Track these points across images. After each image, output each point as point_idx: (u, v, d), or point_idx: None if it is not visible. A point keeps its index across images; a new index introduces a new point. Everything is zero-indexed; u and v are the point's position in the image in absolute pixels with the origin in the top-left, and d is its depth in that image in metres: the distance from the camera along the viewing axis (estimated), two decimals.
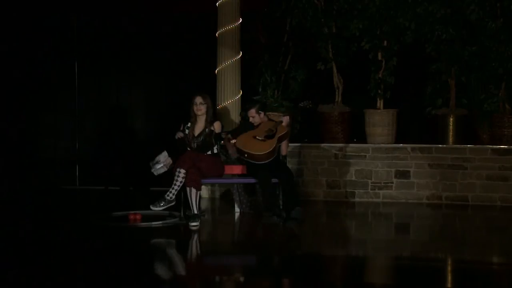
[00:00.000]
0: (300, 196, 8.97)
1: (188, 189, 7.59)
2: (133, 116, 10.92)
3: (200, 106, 7.88)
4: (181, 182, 7.63)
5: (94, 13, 10.71)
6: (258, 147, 7.73)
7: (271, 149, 7.69)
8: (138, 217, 7.79)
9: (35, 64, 10.88)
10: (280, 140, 7.81)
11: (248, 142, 7.81)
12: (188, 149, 7.83)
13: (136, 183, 10.12)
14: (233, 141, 7.93)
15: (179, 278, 5.90)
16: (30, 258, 6.21)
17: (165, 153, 7.91)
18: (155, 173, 7.88)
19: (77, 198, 9.68)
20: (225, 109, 9.28)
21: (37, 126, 11.13)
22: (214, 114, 8.21)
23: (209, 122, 7.90)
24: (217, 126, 7.93)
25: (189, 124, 7.94)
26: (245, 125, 8.21)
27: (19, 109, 10.98)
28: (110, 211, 8.14)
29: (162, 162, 7.86)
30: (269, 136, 7.80)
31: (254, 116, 8.02)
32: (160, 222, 7.70)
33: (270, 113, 8.92)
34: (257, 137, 7.81)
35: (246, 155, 7.76)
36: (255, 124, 8.03)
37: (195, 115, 7.91)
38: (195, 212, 7.57)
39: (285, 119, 7.98)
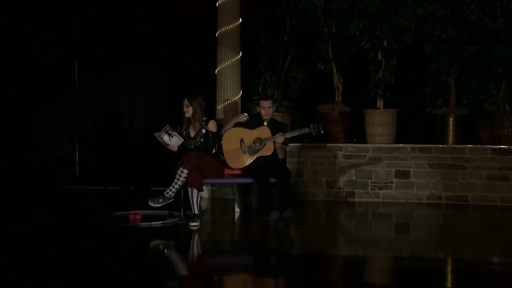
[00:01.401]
0: (297, 196, 8.98)
1: (189, 189, 7.60)
2: (133, 116, 10.92)
3: (186, 108, 7.91)
4: (182, 181, 7.64)
5: (94, 13, 10.71)
6: (236, 159, 7.91)
7: (244, 166, 7.91)
8: (138, 217, 7.79)
9: (35, 64, 10.89)
10: (259, 157, 7.88)
11: (232, 147, 7.90)
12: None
13: (136, 183, 10.12)
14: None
15: (179, 278, 5.90)
16: (29, 258, 6.21)
17: (176, 140, 7.84)
18: (158, 136, 7.84)
19: (77, 198, 9.68)
20: (225, 109, 9.28)
21: (36, 126, 11.13)
22: (207, 113, 8.15)
23: (202, 123, 7.89)
24: (212, 126, 7.92)
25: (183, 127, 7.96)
26: (248, 120, 8.19)
27: (19, 109, 10.99)
28: (110, 211, 8.14)
29: (166, 140, 7.82)
30: (252, 150, 7.86)
31: (271, 107, 8.02)
32: (160, 222, 7.70)
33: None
34: (243, 141, 7.86)
35: (222, 157, 7.93)
36: (266, 117, 8.00)
37: (185, 117, 7.94)
38: (196, 212, 7.58)
39: (279, 139, 7.81)
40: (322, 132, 7.88)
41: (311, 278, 5.71)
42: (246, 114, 8.10)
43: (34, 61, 10.89)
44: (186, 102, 7.91)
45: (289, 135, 7.95)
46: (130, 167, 10.57)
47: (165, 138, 7.80)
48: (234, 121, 8.09)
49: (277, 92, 9.52)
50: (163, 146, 7.85)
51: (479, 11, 8.96)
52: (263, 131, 7.91)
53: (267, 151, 7.86)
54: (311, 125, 7.88)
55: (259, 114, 8.07)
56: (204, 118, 7.92)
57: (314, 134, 7.90)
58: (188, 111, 7.91)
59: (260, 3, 9.69)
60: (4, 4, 10.39)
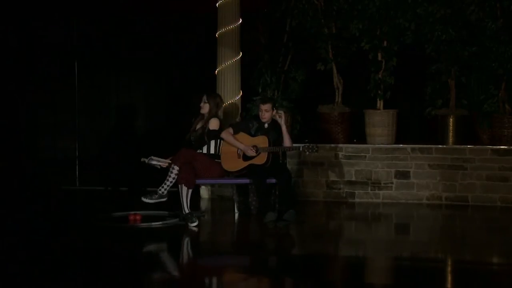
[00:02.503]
0: (298, 197, 8.96)
1: (179, 186, 7.62)
2: (133, 116, 10.92)
3: (203, 104, 8.03)
4: (173, 178, 7.69)
5: (94, 13, 10.71)
6: (230, 162, 7.97)
7: (235, 170, 7.98)
8: (138, 217, 7.79)
9: (35, 64, 10.88)
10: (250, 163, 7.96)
11: (230, 149, 7.96)
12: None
13: (136, 183, 10.10)
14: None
15: (179, 278, 5.90)
16: (29, 258, 6.20)
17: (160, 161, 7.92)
18: (147, 162, 7.90)
19: (77, 198, 9.67)
20: (225, 109, 9.27)
21: (37, 126, 11.12)
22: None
23: (207, 119, 7.96)
24: (212, 124, 7.95)
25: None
26: (247, 122, 8.20)
27: (19, 108, 10.98)
28: (110, 211, 8.14)
29: (155, 162, 7.87)
30: (245, 156, 7.93)
31: (268, 110, 7.99)
32: (160, 222, 7.70)
33: None
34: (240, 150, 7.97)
35: (219, 156, 8.01)
36: (263, 120, 8.00)
37: (201, 113, 8.06)
38: (186, 211, 7.60)
39: (279, 116, 7.97)
40: (316, 151, 8.06)
41: (311, 278, 5.71)
42: (254, 150, 8.01)
43: (34, 61, 10.88)
44: (204, 98, 8.03)
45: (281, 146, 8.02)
46: (130, 167, 10.56)
47: (154, 162, 7.89)
48: (240, 144, 7.96)
49: (277, 93, 9.52)
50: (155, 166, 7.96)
51: (479, 11, 8.96)
52: (262, 140, 7.93)
53: (259, 160, 7.90)
54: (306, 145, 7.97)
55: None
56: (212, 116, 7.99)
57: (307, 153, 8.04)
58: (204, 108, 8.02)
59: (260, 3, 9.69)
60: (4, 4, 10.39)
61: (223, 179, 8.10)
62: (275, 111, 8.05)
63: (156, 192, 7.73)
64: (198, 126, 8.05)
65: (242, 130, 8.04)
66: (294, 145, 8.09)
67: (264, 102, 8.06)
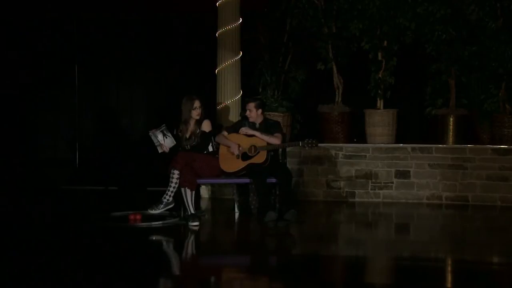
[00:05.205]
0: (298, 197, 8.97)
1: (182, 189, 7.61)
2: (133, 116, 10.92)
3: (198, 110, 7.90)
4: (176, 183, 7.66)
5: (94, 13, 10.72)
6: (228, 163, 7.94)
7: (236, 170, 7.94)
8: (138, 217, 7.79)
9: (35, 64, 10.89)
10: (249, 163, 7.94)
11: (228, 150, 7.93)
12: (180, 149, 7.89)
13: (135, 183, 10.11)
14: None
15: (179, 278, 5.90)
16: (29, 258, 6.21)
17: (170, 141, 7.87)
18: (153, 134, 7.86)
19: (77, 198, 9.67)
20: (225, 109, 9.28)
21: (36, 126, 11.13)
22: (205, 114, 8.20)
23: (198, 123, 7.91)
24: (205, 126, 7.92)
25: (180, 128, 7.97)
26: (239, 123, 8.23)
27: (19, 108, 10.99)
28: (110, 211, 8.14)
29: (160, 139, 7.84)
30: (244, 156, 7.92)
31: (252, 110, 8.03)
32: (160, 222, 7.70)
33: (269, 113, 8.95)
34: (240, 147, 7.93)
35: (216, 155, 7.98)
36: (250, 120, 8.02)
37: (191, 118, 7.92)
38: (192, 211, 7.59)
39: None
40: (316, 146, 7.99)
41: (311, 278, 5.71)
42: (238, 153, 8.01)
43: (34, 61, 10.89)
44: (198, 104, 7.88)
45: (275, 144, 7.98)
46: (129, 167, 10.57)
47: (159, 137, 7.85)
48: (228, 141, 7.97)
49: (277, 92, 9.52)
50: (156, 146, 7.89)
51: (479, 11, 8.96)
52: (259, 140, 7.93)
53: (258, 159, 7.90)
54: (306, 140, 7.92)
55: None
56: (201, 119, 7.94)
57: (307, 148, 8.04)
58: (200, 114, 7.90)
59: (260, 3, 9.69)
60: (4, 4, 10.40)
61: (223, 179, 8.09)
62: (260, 110, 8.05)
63: (161, 202, 7.72)
64: (187, 133, 7.96)
65: (235, 131, 8.05)
66: (291, 142, 8.12)
67: (247, 102, 8.13)
